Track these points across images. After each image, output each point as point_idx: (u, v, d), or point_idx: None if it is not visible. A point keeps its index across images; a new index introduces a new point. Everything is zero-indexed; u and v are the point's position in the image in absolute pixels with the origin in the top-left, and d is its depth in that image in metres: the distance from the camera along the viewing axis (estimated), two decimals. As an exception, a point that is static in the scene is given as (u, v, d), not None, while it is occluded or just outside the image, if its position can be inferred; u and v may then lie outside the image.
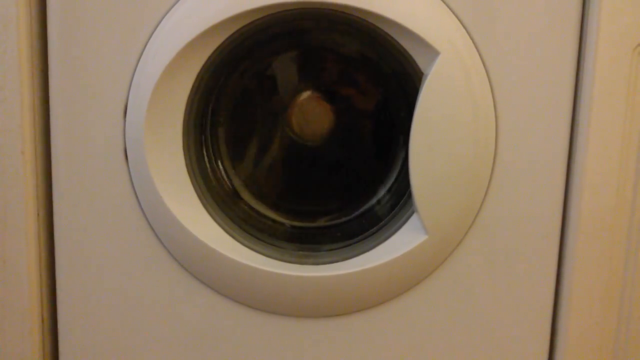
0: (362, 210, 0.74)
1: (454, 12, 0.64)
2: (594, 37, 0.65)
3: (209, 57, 0.65)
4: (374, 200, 0.74)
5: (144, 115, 0.64)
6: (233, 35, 0.65)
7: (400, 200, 0.71)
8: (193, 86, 0.65)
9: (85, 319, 0.71)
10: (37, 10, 0.67)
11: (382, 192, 0.74)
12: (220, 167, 0.73)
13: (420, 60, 0.64)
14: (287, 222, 0.75)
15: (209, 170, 0.72)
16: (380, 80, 0.73)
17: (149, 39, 0.65)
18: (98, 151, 0.67)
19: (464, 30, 0.64)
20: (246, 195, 0.74)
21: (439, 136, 0.64)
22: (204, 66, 0.65)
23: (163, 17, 0.65)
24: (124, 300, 0.70)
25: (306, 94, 0.73)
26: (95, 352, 0.72)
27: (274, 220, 0.74)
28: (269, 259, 0.69)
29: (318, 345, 0.71)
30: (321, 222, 0.75)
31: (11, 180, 0.68)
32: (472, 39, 0.64)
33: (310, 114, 0.73)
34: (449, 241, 0.68)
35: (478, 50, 0.65)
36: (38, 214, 0.70)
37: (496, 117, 0.66)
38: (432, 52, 0.63)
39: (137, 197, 0.68)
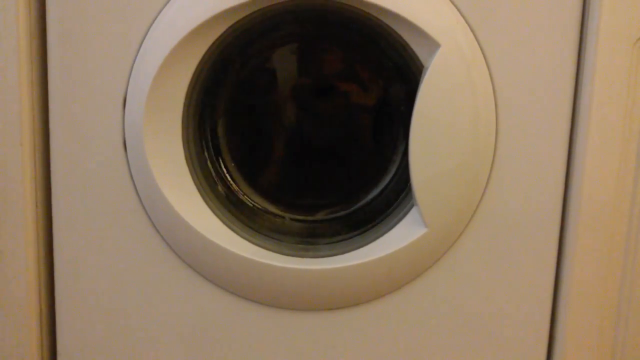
0: (361, 203, 0.74)
1: (454, 4, 0.64)
2: (594, 30, 0.64)
3: (209, 49, 0.65)
4: (373, 194, 0.74)
5: (143, 106, 0.64)
6: (232, 27, 0.65)
7: (400, 194, 0.71)
8: (192, 77, 0.65)
9: (83, 310, 0.71)
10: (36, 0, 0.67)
11: (381, 185, 0.74)
12: (220, 159, 0.73)
13: (420, 52, 0.64)
14: (286, 215, 0.74)
15: (208, 162, 0.72)
16: (381, 73, 0.72)
17: (148, 29, 0.65)
18: (97, 142, 0.67)
19: (464, 23, 0.64)
20: (245, 188, 0.74)
21: (439, 129, 0.64)
22: (203, 58, 0.65)
23: (163, 8, 0.64)
24: (121, 289, 0.70)
25: (306, 87, 0.72)
26: (93, 343, 0.72)
27: (273, 214, 0.74)
28: (268, 252, 0.69)
29: (317, 338, 0.71)
30: (321, 216, 0.75)
31: (10, 171, 0.68)
32: (472, 31, 0.64)
33: (310, 107, 0.73)
34: (449, 235, 0.68)
35: (479, 43, 0.64)
36: (37, 205, 0.70)
37: (496, 110, 0.66)
38: (433, 45, 0.63)
39: (135, 188, 0.68)
